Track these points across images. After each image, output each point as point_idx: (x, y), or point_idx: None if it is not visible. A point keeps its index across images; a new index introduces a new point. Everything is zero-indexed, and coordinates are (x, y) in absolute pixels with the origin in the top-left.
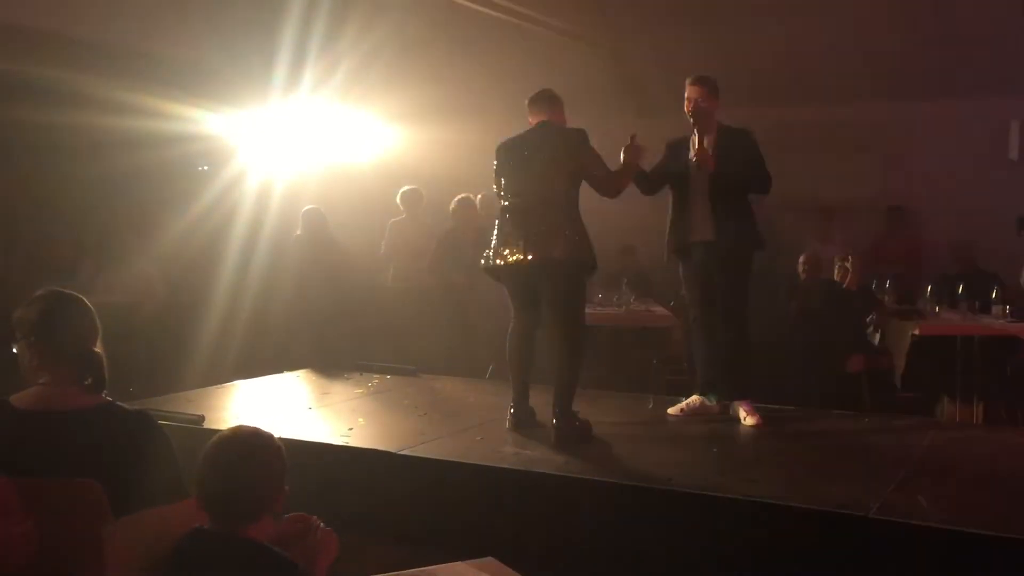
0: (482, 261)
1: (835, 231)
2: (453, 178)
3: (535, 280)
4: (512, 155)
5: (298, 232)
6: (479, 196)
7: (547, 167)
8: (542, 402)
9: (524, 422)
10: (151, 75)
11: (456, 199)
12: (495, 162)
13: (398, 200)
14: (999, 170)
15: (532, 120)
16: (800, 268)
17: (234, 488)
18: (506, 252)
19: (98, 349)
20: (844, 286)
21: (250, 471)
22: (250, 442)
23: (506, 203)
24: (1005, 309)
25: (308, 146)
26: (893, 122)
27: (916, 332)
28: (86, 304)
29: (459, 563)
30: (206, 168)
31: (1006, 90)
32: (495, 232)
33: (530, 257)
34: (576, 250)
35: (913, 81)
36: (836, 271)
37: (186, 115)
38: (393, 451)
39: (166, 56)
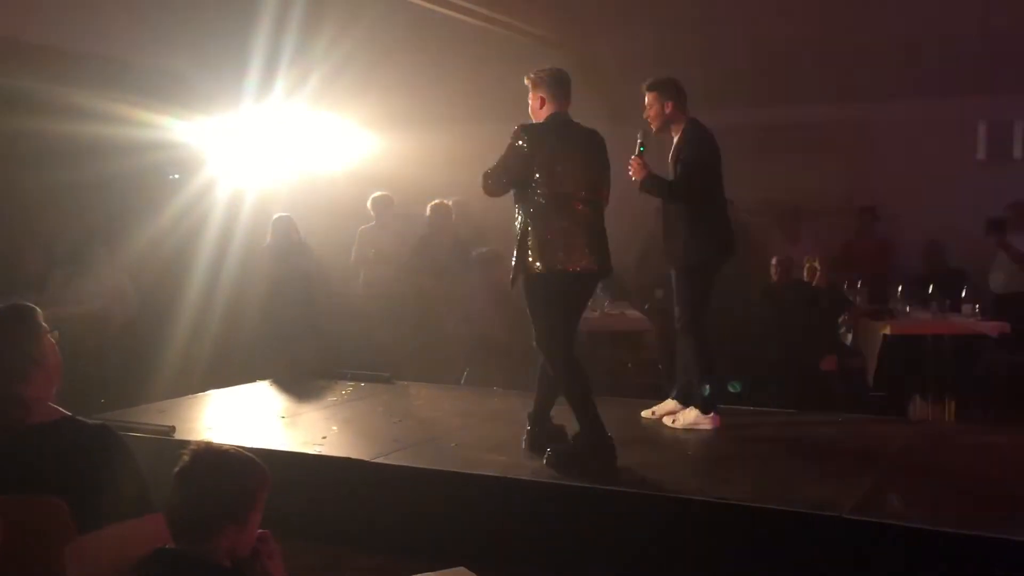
0: (538, 265)
1: (804, 232)
2: (425, 185)
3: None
4: (561, 147)
5: (268, 239)
6: (452, 201)
7: (600, 170)
8: (513, 407)
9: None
10: (120, 82)
11: (431, 205)
12: (528, 147)
13: (369, 206)
14: (968, 170)
15: (560, 108)
16: (772, 270)
17: (189, 507)
18: (579, 259)
19: (43, 360)
20: (814, 284)
21: (205, 491)
22: (207, 462)
23: (579, 205)
24: (974, 308)
25: (280, 153)
26: (862, 123)
27: (887, 332)
28: (25, 321)
29: (429, 574)
30: (176, 176)
31: (973, 90)
32: (551, 231)
33: (596, 267)
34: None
35: (881, 82)
36: (805, 271)
37: (156, 122)
38: (367, 459)
39: (135, 62)
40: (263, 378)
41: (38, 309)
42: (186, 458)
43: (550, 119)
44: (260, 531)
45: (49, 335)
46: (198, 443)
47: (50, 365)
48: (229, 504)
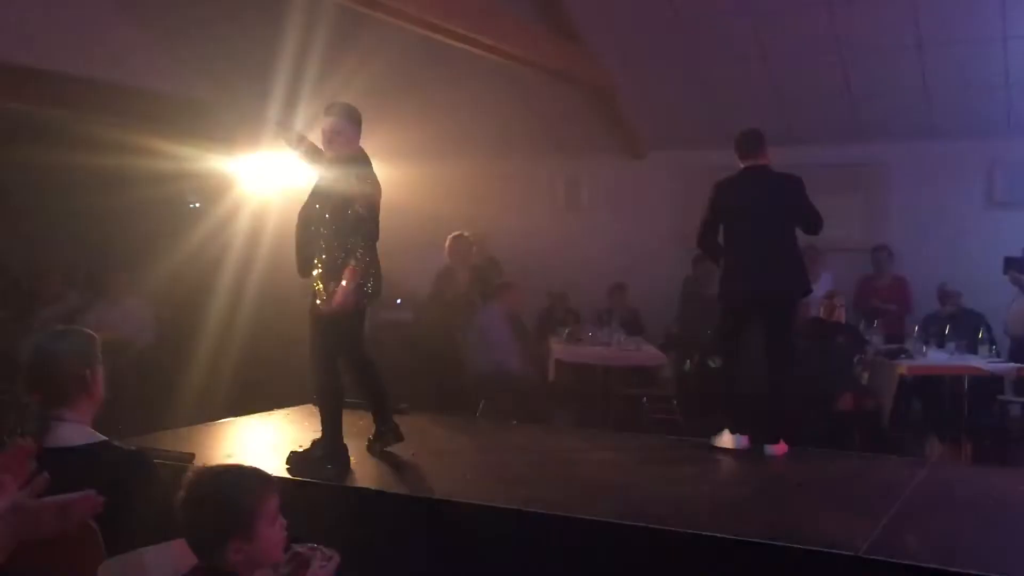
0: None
1: (822, 270)
2: (444, 216)
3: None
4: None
5: None
6: (471, 233)
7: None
8: (530, 440)
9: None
10: (144, 113)
11: (451, 236)
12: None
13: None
14: (985, 211)
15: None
16: None
17: (192, 531)
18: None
19: (93, 386)
20: (832, 319)
21: (201, 514)
22: (200, 487)
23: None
24: (991, 349)
25: (302, 184)
26: (879, 163)
27: (903, 372)
28: (87, 346)
29: None
30: (197, 205)
31: (990, 133)
32: (372, 266)
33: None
34: None
35: (898, 123)
36: (822, 309)
37: (179, 153)
38: (383, 490)
39: (159, 93)
40: (284, 406)
41: (97, 337)
42: (184, 486)
43: (363, 156)
44: (323, 550)
45: (100, 363)
46: (193, 469)
47: (97, 392)
48: (226, 520)
